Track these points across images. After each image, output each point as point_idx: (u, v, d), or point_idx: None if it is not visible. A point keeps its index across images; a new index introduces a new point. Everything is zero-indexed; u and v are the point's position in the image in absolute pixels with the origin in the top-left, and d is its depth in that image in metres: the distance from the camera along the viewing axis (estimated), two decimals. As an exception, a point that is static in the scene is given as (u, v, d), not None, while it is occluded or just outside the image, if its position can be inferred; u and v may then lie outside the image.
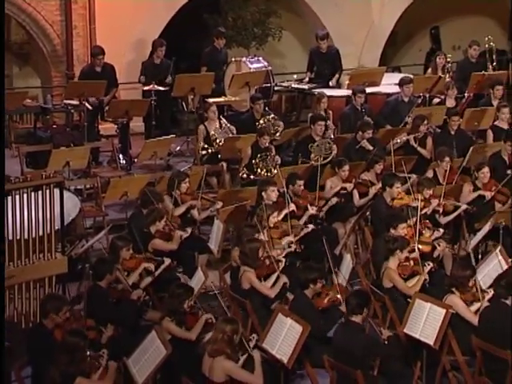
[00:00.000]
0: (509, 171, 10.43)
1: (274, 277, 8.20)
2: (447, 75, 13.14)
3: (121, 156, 11.79)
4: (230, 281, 8.70)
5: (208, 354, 6.81)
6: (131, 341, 7.14)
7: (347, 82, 13.19)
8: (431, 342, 7.16)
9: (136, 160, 11.54)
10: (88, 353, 6.59)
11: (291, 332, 6.99)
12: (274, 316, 7.21)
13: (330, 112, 12.10)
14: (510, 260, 8.46)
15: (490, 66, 13.53)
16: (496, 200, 10.01)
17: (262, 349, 7.02)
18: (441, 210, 9.69)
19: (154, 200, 9.17)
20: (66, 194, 8.68)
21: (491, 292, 7.54)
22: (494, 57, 13.65)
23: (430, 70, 13.43)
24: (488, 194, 9.92)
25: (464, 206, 9.80)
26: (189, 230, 9.21)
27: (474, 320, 7.45)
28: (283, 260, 8.42)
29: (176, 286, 7.57)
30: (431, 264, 8.30)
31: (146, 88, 12.33)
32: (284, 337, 6.99)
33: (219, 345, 6.72)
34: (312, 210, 9.57)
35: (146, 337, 6.92)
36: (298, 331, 6.96)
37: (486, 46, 13.79)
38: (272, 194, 9.51)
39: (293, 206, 9.40)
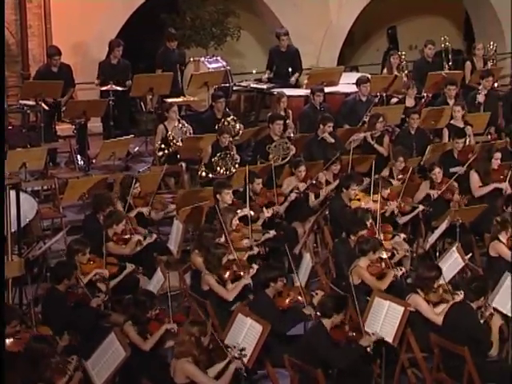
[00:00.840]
0: (456, 168, 10.55)
1: (235, 283, 8.16)
2: (403, 74, 13.23)
3: (78, 157, 11.67)
4: (189, 281, 8.67)
5: (174, 356, 6.79)
6: (89, 346, 7.05)
7: (306, 82, 13.22)
8: (390, 340, 7.21)
9: (94, 161, 11.44)
10: (56, 358, 6.48)
11: (251, 332, 7.00)
12: (234, 316, 7.20)
13: (290, 111, 12.12)
14: (466, 257, 8.56)
15: (446, 66, 13.66)
16: (444, 196, 10.11)
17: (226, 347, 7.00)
18: (396, 210, 9.75)
19: (105, 205, 9.11)
20: (22, 195, 8.59)
21: (461, 295, 7.57)
22: (450, 56, 13.77)
23: (385, 70, 13.51)
24: (438, 192, 10.02)
25: (421, 207, 9.89)
26: (154, 235, 9.16)
27: (438, 320, 7.51)
28: (255, 267, 8.33)
29: (140, 294, 7.50)
30: (403, 269, 8.36)
31: (103, 88, 12.23)
32: (244, 337, 7.00)
33: (186, 347, 6.70)
34: (267, 214, 9.56)
35: (105, 338, 6.86)
36: (258, 331, 6.96)
37: (442, 45, 13.93)
38: (227, 196, 9.48)
39: (249, 211, 9.37)
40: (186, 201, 9.87)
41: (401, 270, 8.30)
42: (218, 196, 9.50)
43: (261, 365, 7.40)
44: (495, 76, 13.02)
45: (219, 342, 6.88)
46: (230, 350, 6.80)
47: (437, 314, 7.56)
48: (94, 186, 10.03)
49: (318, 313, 7.33)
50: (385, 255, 8.39)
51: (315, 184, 10.18)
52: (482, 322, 7.36)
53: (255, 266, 8.32)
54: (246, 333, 7.00)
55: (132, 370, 6.99)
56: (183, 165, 11.21)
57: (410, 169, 10.33)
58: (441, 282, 7.74)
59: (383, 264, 8.30)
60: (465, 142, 11.08)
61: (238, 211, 9.22)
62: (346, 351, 7.20)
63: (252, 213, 9.38)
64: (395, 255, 8.83)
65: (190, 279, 8.69)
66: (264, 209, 9.61)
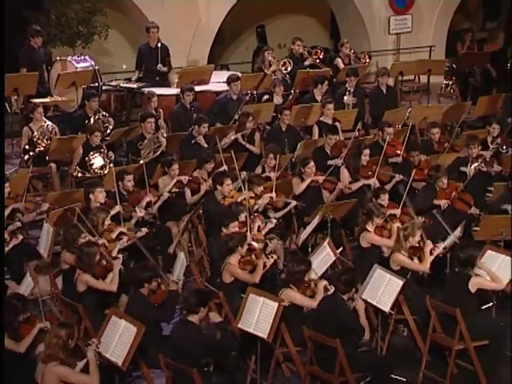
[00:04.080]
0: (332, 161, 10.78)
1: (111, 274, 8.07)
2: (279, 72, 13.37)
3: None
4: (61, 285, 8.48)
5: (42, 361, 6.61)
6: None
7: (176, 81, 13.17)
8: (265, 336, 7.27)
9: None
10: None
11: (126, 333, 6.91)
12: (108, 318, 7.08)
13: (161, 110, 12.03)
14: (337, 251, 8.73)
15: (318, 60, 13.85)
16: (324, 188, 10.32)
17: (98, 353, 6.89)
18: (270, 204, 9.86)
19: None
20: None
21: (332, 289, 7.71)
22: (320, 53, 14.00)
23: (268, 69, 13.51)
24: (319, 179, 10.22)
25: (294, 202, 10.02)
26: (20, 236, 8.89)
27: (314, 304, 7.64)
28: (120, 256, 8.29)
29: (11, 298, 7.27)
30: (275, 256, 8.45)
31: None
32: (119, 339, 6.90)
33: (53, 350, 6.56)
34: (140, 213, 9.47)
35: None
36: (133, 332, 6.88)
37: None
38: (99, 195, 9.35)
39: (120, 208, 9.28)
40: (59, 203, 9.63)
41: (272, 257, 8.38)
42: (90, 196, 9.34)
43: (136, 366, 7.32)
44: (360, 74, 13.36)
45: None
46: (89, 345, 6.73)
47: (312, 300, 7.70)
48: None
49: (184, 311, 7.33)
50: (257, 246, 8.47)
51: (193, 180, 10.16)
52: (352, 311, 7.55)
53: (120, 256, 8.29)
54: (120, 335, 6.90)
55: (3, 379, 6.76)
56: (53, 166, 10.95)
57: (287, 165, 10.45)
58: (312, 276, 7.88)
59: (253, 256, 8.36)
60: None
61: (111, 211, 9.11)
62: (219, 344, 7.19)
63: (121, 210, 9.28)
64: (268, 245, 8.94)
65: (62, 283, 8.50)
66: (137, 208, 9.51)
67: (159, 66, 13.13)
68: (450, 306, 7.66)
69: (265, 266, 8.26)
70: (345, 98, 12.81)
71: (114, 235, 8.81)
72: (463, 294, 7.73)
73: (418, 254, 8.46)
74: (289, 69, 13.38)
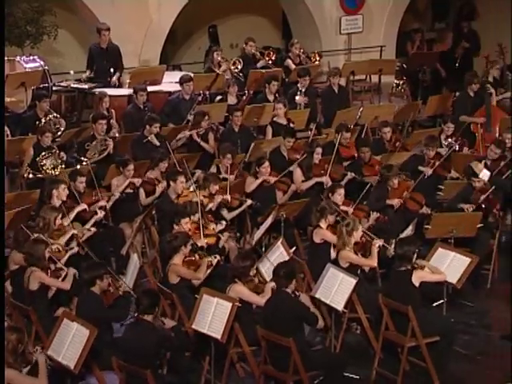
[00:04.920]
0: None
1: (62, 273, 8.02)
2: (229, 72, 13.37)
3: None
4: (11, 288, 8.37)
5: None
6: None
7: (128, 81, 13.09)
8: (219, 336, 7.27)
9: None
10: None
11: (78, 336, 6.85)
12: (60, 321, 7.02)
13: (113, 111, 11.94)
14: (291, 251, 8.77)
15: (270, 62, 13.88)
16: (277, 188, 10.36)
17: (48, 356, 6.82)
18: (224, 203, 9.86)
19: None
20: None
21: (272, 283, 7.76)
22: (272, 54, 14.03)
23: (219, 69, 13.49)
24: (271, 179, 10.30)
25: (249, 202, 10.04)
26: None
27: (261, 302, 7.66)
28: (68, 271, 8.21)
29: None
30: (218, 257, 8.45)
31: None
32: (70, 342, 6.84)
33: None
34: (100, 214, 9.40)
35: None
36: (85, 335, 6.83)
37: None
38: (63, 192, 9.34)
39: (84, 205, 9.27)
40: (17, 203, 9.48)
41: (215, 257, 8.38)
42: (54, 192, 9.29)
43: (89, 369, 7.26)
44: (312, 74, 13.43)
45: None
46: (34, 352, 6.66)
47: (259, 297, 7.73)
48: None
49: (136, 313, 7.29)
50: (204, 244, 8.52)
51: (148, 181, 10.11)
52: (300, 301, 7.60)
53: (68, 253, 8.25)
54: (72, 338, 6.84)
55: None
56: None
57: (240, 165, 10.47)
58: (263, 271, 7.92)
59: (197, 256, 8.36)
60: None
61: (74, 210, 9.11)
62: (173, 344, 7.20)
63: (87, 207, 9.26)
64: (221, 239, 8.97)
65: (11, 286, 8.38)
66: (98, 210, 9.44)
67: (113, 80, 13.02)
68: (398, 302, 7.74)
69: (210, 265, 8.25)
70: (296, 97, 12.86)
71: (64, 239, 8.72)
72: (407, 290, 7.80)
73: (362, 250, 8.54)
74: (239, 67, 13.39)
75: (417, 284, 7.82)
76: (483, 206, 9.72)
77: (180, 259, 8.25)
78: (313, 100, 13.09)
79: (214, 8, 16.67)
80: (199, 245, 8.62)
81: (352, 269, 8.35)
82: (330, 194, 9.58)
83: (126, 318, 7.59)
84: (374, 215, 9.42)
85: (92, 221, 9.34)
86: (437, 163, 10.73)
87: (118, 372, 7.10)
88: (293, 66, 13.87)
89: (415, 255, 7.91)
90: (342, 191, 9.61)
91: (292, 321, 7.37)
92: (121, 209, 9.98)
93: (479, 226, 9.43)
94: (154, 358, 7.09)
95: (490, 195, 9.76)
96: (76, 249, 8.70)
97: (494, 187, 9.76)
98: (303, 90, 12.93)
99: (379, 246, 8.48)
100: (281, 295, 7.54)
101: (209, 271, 8.25)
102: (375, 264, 8.48)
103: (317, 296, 7.89)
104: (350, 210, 9.60)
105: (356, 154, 11.33)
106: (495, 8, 17.25)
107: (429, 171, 10.69)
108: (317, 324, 7.59)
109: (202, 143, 11.49)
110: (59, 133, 11.47)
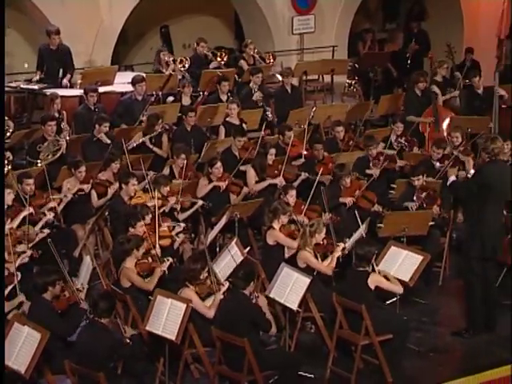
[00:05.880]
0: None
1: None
2: (181, 72, 13.32)
3: None
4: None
5: None
6: None
7: (79, 82, 12.97)
8: (173, 338, 7.24)
9: None
10: None
11: (29, 340, 6.78)
12: (10, 326, 6.92)
13: (64, 112, 11.82)
14: (245, 251, 8.77)
15: (222, 62, 13.86)
16: (230, 191, 10.37)
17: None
18: (179, 206, 9.82)
19: None
20: None
21: (227, 284, 7.76)
22: (224, 55, 14.01)
23: (167, 69, 13.44)
24: (222, 185, 10.25)
25: (200, 202, 10.02)
26: None
27: (209, 313, 7.63)
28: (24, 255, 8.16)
29: None
30: (170, 259, 8.41)
31: None
32: (21, 347, 6.77)
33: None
34: (49, 216, 9.30)
35: None
36: (37, 338, 6.76)
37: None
38: (8, 197, 9.17)
39: (31, 209, 9.13)
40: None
41: (168, 260, 8.34)
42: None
43: (40, 373, 7.18)
44: (265, 74, 13.46)
45: None
46: None
47: (208, 307, 7.69)
48: None
49: (92, 315, 7.21)
50: (156, 249, 8.48)
51: (100, 183, 10.02)
52: (256, 305, 7.60)
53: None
54: (23, 342, 6.77)
55: None
56: None
57: (195, 165, 10.42)
58: (217, 271, 7.90)
59: (150, 259, 8.31)
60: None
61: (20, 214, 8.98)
62: (127, 347, 7.15)
63: (33, 211, 9.13)
64: (176, 240, 8.96)
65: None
66: (46, 211, 9.33)
67: (64, 82, 12.86)
68: (351, 300, 7.80)
69: (163, 274, 8.20)
70: (254, 95, 12.84)
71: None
72: (363, 291, 7.87)
73: (322, 252, 8.57)
74: (186, 65, 13.35)
75: (372, 287, 7.88)
76: (424, 204, 9.83)
77: (132, 262, 8.18)
78: (266, 100, 13.10)
79: (166, 8, 16.61)
80: (152, 249, 8.53)
81: (308, 269, 8.38)
82: (281, 196, 9.60)
83: (74, 332, 7.45)
84: (327, 215, 9.46)
85: (40, 223, 9.21)
86: (385, 163, 10.84)
87: (71, 375, 7.03)
88: (246, 67, 13.87)
89: (374, 256, 7.98)
90: (293, 193, 9.65)
91: (246, 322, 7.37)
92: (73, 210, 9.89)
93: (431, 224, 9.56)
94: (107, 361, 7.04)
95: (431, 192, 9.88)
96: (29, 252, 8.58)
97: (435, 187, 9.88)
98: (256, 89, 12.94)
99: (341, 251, 8.48)
100: (237, 296, 7.54)
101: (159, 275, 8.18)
102: (330, 272, 8.47)
103: (271, 295, 7.90)
104: (303, 210, 9.65)
105: (305, 152, 11.33)
106: (444, 8, 17.47)
107: (376, 172, 10.79)
108: (270, 330, 7.58)
109: (155, 149, 11.40)
110: (8, 134, 11.29)
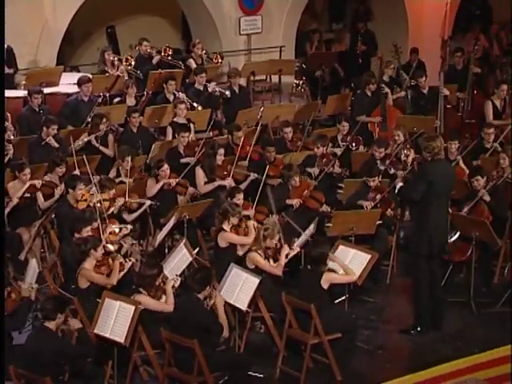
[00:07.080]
0: (183, 160, 10.89)
1: None
2: (126, 73, 13.23)
3: None
4: None
5: None
6: None
7: (24, 83, 12.79)
8: (122, 340, 7.20)
9: None
10: None
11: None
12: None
13: (8, 114, 11.64)
14: (194, 252, 8.74)
15: (169, 58, 13.79)
16: (176, 192, 10.33)
17: None
18: (123, 208, 9.76)
19: None
20: None
21: (178, 279, 7.75)
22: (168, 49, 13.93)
23: (112, 69, 13.32)
24: (172, 182, 10.23)
25: (148, 202, 9.96)
26: None
27: (168, 307, 7.61)
28: None
29: None
30: (133, 259, 8.41)
31: None
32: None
33: None
34: None
35: None
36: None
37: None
38: None
39: None
40: None
41: (130, 260, 8.29)
42: None
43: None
44: (212, 74, 13.43)
45: None
46: None
47: (165, 303, 7.67)
48: None
49: (41, 318, 7.13)
50: (112, 248, 8.41)
51: (46, 184, 9.91)
52: (209, 310, 7.56)
53: None
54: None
55: None
56: None
57: (142, 167, 10.36)
58: (166, 272, 7.87)
59: (110, 260, 8.24)
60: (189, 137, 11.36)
61: None
62: (75, 350, 7.08)
63: None
64: (123, 246, 8.86)
65: None
66: None
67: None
68: (304, 301, 7.82)
69: (123, 268, 8.15)
70: (209, 87, 12.77)
71: None
72: (316, 290, 7.90)
73: (272, 255, 8.57)
74: (132, 63, 13.27)
75: (325, 286, 7.93)
76: (378, 205, 9.92)
77: (91, 264, 8.10)
78: (215, 100, 13.06)
79: (113, 8, 16.50)
80: (110, 247, 8.46)
81: (258, 269, 8.38)
82: (229, 198, 9.58)
83: (24, 327, 7.38)
84: (274, 217, 9.45)
85: None
86: (329, 164, 10.90)
87: (16, 381, 6.92)
88: (194, 66, 13.83)
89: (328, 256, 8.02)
90: (240, 196, 9.63)
91: (197, 327, 7.34)
92: (18, 214, 9.74)
93: (378, 223, 9.64)
94: (54, 366, 6.95)
95: (386, 195, 9.97)
96: None
97: (390, 188, 9.97)
98: (201, 89, 12.93)
99: (287, 255, 8.48)
100: (191, 299, 7.50)
101: (122, 274, 8.11)
102: (280, 273, 8.48)
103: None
104: (252, 211, 9.65)
105: (248, 154, 11.34)
106: (389, 9, 17.66)
107: (315, 171, 10.85)
108: (221, 334, 7.56)
109: (102, 148, 11.33)
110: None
